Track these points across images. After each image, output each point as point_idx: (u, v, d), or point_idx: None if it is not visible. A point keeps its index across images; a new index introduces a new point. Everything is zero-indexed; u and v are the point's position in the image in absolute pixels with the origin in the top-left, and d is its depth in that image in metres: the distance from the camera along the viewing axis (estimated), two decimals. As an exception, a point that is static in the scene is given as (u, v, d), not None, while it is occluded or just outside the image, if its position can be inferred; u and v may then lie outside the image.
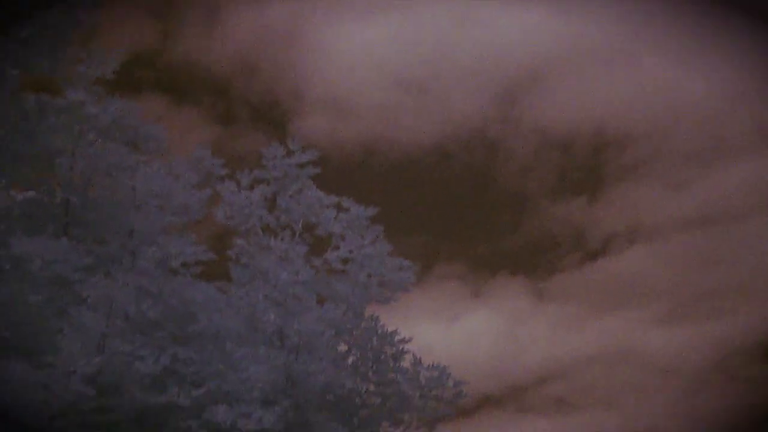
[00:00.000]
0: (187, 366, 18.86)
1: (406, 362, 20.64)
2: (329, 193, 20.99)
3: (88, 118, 20.20)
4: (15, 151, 19.63)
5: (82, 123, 20.15)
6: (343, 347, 20.59)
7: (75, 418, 16.92)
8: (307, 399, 19.13)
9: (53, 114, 20.09)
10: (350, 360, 20.58)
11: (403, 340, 20.48)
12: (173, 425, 18.46)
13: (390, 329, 20.57)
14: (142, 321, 18.82)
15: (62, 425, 16.53)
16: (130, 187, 20.44)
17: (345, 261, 20.58)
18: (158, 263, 19.41)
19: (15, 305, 18.31)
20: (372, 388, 20.58)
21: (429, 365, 20.53)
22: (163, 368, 18.57)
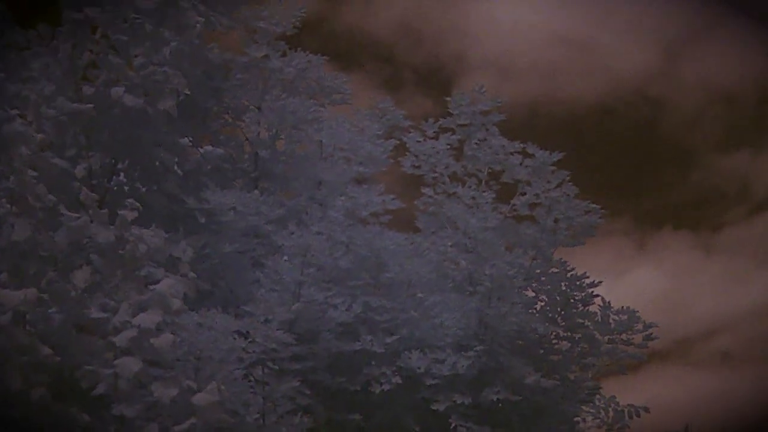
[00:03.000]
0: (379, 314, 19.04)
1: (594, 307, 20.50)
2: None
3: (272, 73, 20.58)
4: (202, 109, 20.12)
5: (266, 78, 20.54)
6: (530, 293, 20.54)
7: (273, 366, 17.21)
8: (499, 344, 19.18)
9: (238, 70, 20.52)
10: (539, 306, 20.52)
11: (593, 284, 20.33)
12: (367, 372, 18.69)
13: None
14: (334, 270, 19.10)
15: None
16: (317, 140, 20.80)
17: (532, 206, 20.49)
18: (347, 213, 19.64)
19: (212, 257, 18.83)
20: (561, 333, 20.49)
21: (618, 309, 20.38)
22: (355, 316, 18.83)
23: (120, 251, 14.09)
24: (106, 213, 14.39)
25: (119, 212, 14.45)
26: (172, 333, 14.75)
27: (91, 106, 16.91)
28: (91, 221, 14.68)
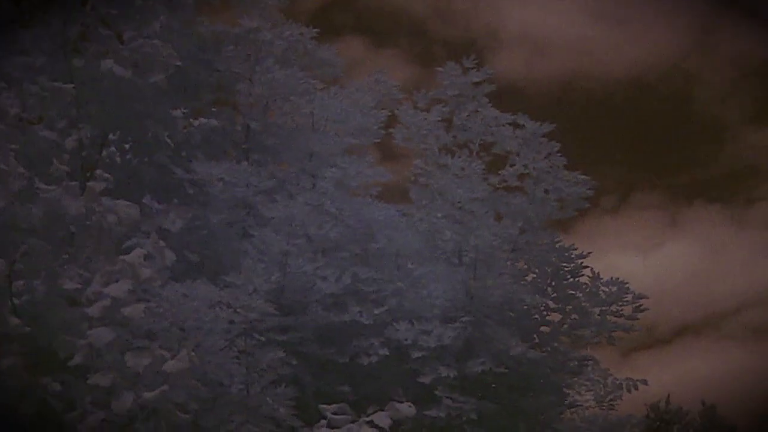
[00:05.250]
0: (368, 285, 19.15)
1: (584, 278, 20.51)
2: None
3: (263, 45, 20.65)
4: (194, 80, 20.20)
5: (257, 50, 20.61)
6: (522, 265, 20.57)
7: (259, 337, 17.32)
8: (486, 314, 19.24)
9: (229, 42, 20.59)
10: (529, 277, 20.54)
11: (581, 255, 20.33)
12: (355, 343, 18.80)
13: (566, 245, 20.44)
14: (323, 241, 19.19)
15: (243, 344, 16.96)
16: (308, 112, 20.87)
17: (521, 177, 20.48)
18: (337, 184, 19.72)
19: (199, 228, 18.95)
20: (551, 304, 20.52)
21: (608, 280, 20.37)
22: (344, 287, 18.93)
23: (87, 222, 14.19)
24: (76, 185, 14.48)
25: (87, 183, 14.57)
26: (147, 303, 14.87)
27: (71, 86, 17.00)
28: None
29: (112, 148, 19.64)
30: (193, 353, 14.12)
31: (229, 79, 20.81)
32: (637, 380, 21.03)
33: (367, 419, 15.13)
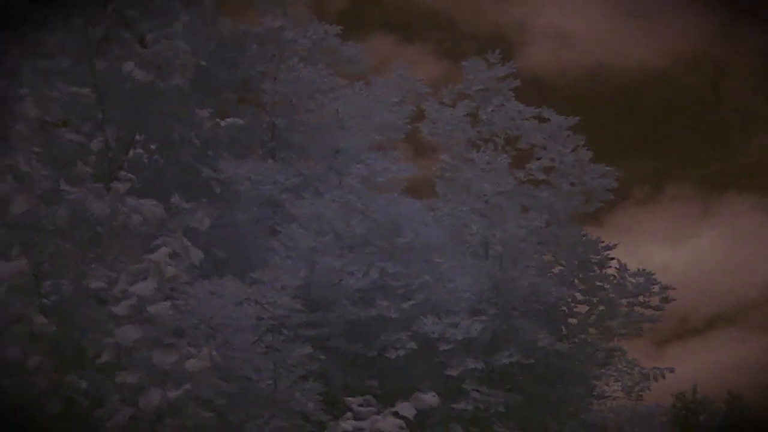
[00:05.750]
0: (395, 279, 19.26)
1: (611, 270, 20.54)
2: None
3: (287, 44, 20.78)
4: (217, 80, 20.35)
5: (282, 49, 20.75)
6: (548, 258, 20.62)
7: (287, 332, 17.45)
8: (513, 307, 19.31)
9: (252, 41, 20.73)
10: (556, 269, 20.59)
11: (608, 247, 20.35)
12: (383, 338, 18.91)
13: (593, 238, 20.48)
14: (350, 237, 19.32)
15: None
16: (334, 109, 20.99)
17: (547, 171, 20.51)
18: (364, 180, 19.83)
19: (226, 226, 19.11)
20: (578, 296, 20.55)
21: (635, 271, 20.38)
22: (372, 282, 19.05)
23: (114, 222, 14.38)
24: (101, 186, 14.67)
25: (112, 184, 14.74)
26: (178, 301, 15.06)
27: (88, 90, 17.18)
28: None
29: (139, 149, 19.83)
30: (214, 352, 14.24)
31: (253, 78, 20.94)
32: (664, 369, 21.07)
33: (392, 410, 15.23)
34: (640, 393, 21.08)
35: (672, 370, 21.07)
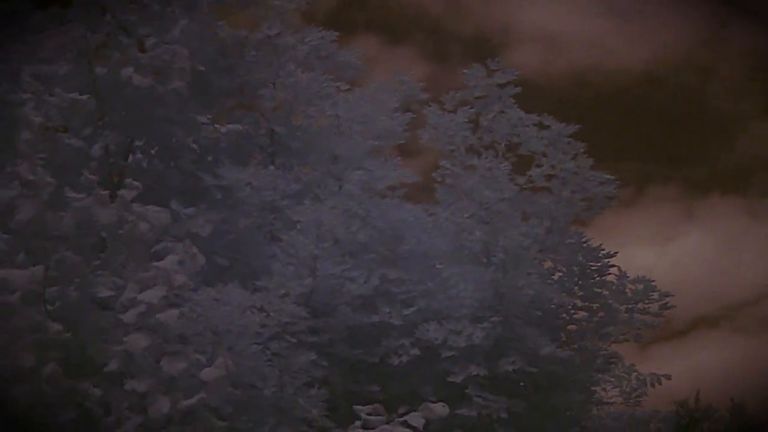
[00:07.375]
0: (397, 286, 19.22)
1: (611, 276, 20.54)
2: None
3: (285, 49, 20.72)
4: (217, 86, 20.27)
5: (280, 54, 20.68)
6: (548, 264, 20.59)
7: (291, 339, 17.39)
8: (514, 314, 19.26)
9: (251, 47, 20.67)
10: (556, 276, 20.57)
11: (608, 255, 20.34)
12: (385, 344, 18.86)
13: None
14: (351, 243, 19.25)
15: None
16: (333, 115, 20.92)
17: (548, 178, 20.47)
18: (364, 187, 19.76)
19: (227, 233, 19.03)
20: (579, 303, 20.54)
21: (634, 278, 20.41)
22: (373, 289, 18.99)
23: (120, 230, 14.30)
24: (107, 194, 14.58)
25: (118, 192, 14.65)
26: (185, 308, 15.00)
27: (86, 96, 17.10)
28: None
29: (138, 155, 19.76)
30: (230, 362, 14.18)
31: (251, 84, 20.85)
32: (660, 375, 21.11)
33: (401, 419, 15.16)
34: (638, 399, 21.08)
35: (669, 377, 21.11)
